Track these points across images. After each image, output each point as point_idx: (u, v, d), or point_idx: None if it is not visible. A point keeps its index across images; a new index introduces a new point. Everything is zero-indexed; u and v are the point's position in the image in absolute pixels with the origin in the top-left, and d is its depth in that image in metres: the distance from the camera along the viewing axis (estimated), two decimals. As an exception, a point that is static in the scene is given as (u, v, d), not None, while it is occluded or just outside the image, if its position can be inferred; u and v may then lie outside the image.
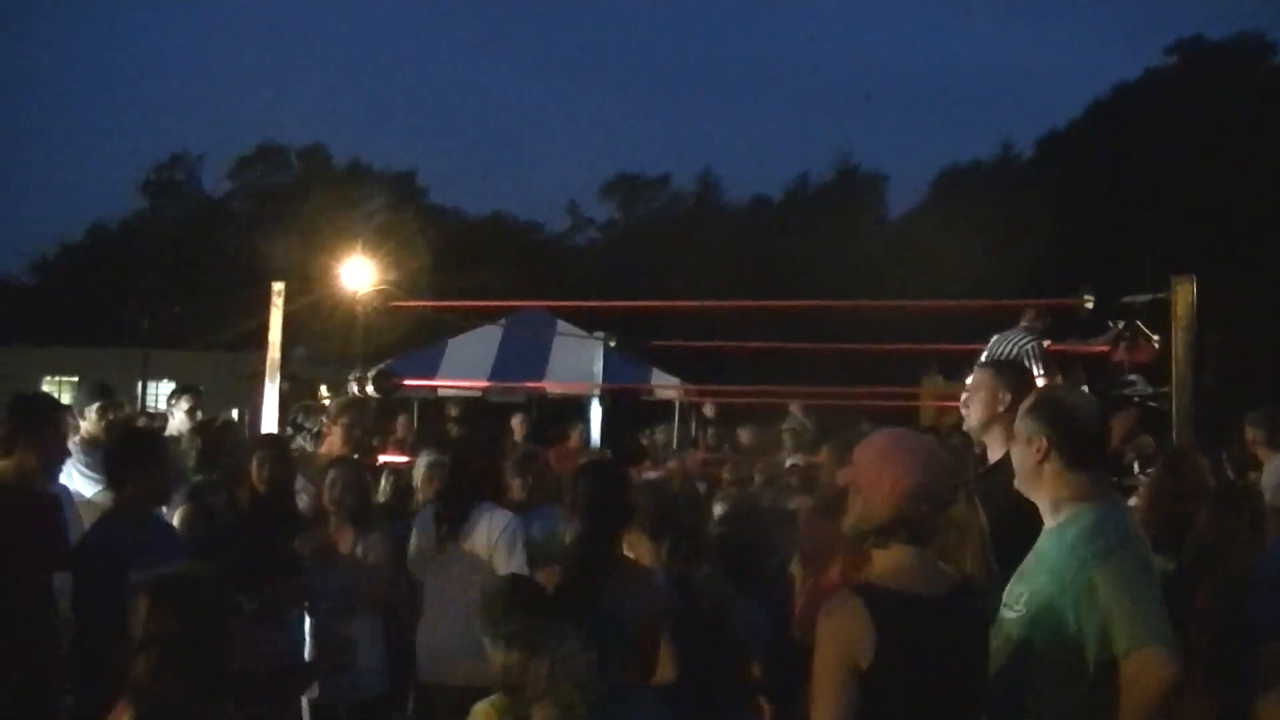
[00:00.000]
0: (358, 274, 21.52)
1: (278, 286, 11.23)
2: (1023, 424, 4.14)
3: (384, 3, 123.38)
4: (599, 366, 14.15)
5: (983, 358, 10.47)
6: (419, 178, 62.49)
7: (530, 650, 4.72)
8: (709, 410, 17.09)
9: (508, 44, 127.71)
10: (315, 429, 11.45)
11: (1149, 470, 10.49)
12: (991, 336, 10.73)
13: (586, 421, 14.42)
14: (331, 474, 7.24)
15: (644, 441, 13.78)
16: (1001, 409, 5.14)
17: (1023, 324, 10.71)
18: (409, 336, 22.67)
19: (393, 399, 13.79)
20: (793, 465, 12.16)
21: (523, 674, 4.71)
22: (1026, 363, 10.19)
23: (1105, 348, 10.92)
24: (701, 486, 10.61)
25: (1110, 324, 10.69)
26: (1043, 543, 4.06)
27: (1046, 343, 10.52)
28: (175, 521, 6.94)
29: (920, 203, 57.19)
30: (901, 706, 3.41)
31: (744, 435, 15.19)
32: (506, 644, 4.77)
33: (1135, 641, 3.72)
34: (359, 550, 6.99)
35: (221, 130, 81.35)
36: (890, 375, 15.06)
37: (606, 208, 64.70)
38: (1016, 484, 4.21)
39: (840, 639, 3.42)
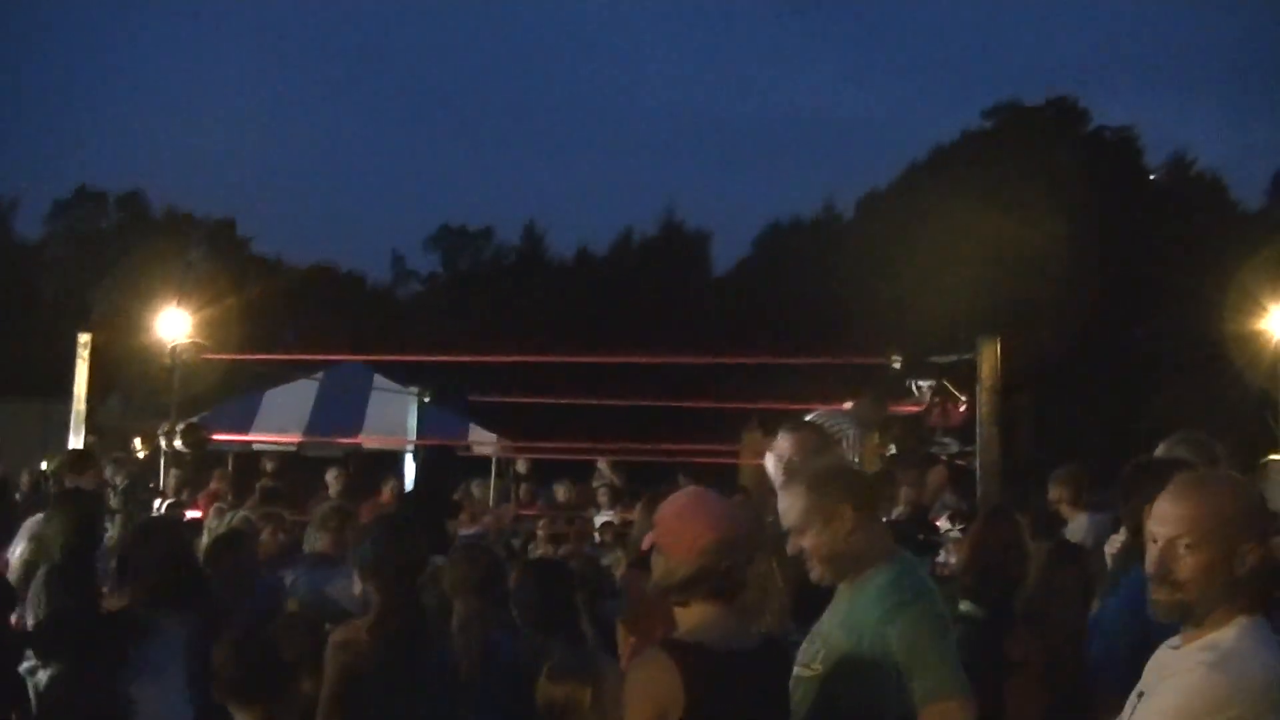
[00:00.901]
0: (172, 324, 21.15)
1: (83, 338, 11.02)
2: (818, 503, 4.05)
3: (205, 48, 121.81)
4: (413, 421, 14.03)
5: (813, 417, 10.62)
6: (239, 227, 61.46)
7: None
8: (521, 466, 17.10)
9: (331, 92, 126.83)
10: (123, 485, 11.19)
11: (960, 526, 10.71)
12: (816, 407, 10.83)
13: (401, 476, 14.30)
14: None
15: (458, 496, 13.69)
16: None
17: (854, 411, 10.75)
18: (225, 388, 22.25)
19: (207, 452, 13.55)
20: (605, 523, 12.23)
21: None
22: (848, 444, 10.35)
23: (917, 408, 11.11)
24: (516, 542, 10.61)
25: (915, 386, 10.86)
26: (838, 601, 4.09)
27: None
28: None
29: (744, 258, 57.82)
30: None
31: (560, 491, 15.22)
32: None
33: (934, 693, 3.77)
34: None
35: (37, 174, 79.46)
36: (713, 431, 15.16)
37: (430, 259, 64.30)
38: (820, 573, 4.15)
39: (649, 694, 3.45)
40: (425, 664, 5.17)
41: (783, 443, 5.57)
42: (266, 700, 4.58)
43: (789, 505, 4.15)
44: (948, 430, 10.81)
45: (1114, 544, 7.76)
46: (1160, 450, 5.36)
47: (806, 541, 4.11)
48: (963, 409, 10.44)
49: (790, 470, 5.31)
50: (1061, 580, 5.96)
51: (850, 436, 10.39)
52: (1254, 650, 3.07)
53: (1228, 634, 3.11)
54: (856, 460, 10.09)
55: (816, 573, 4.12)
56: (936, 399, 10.67)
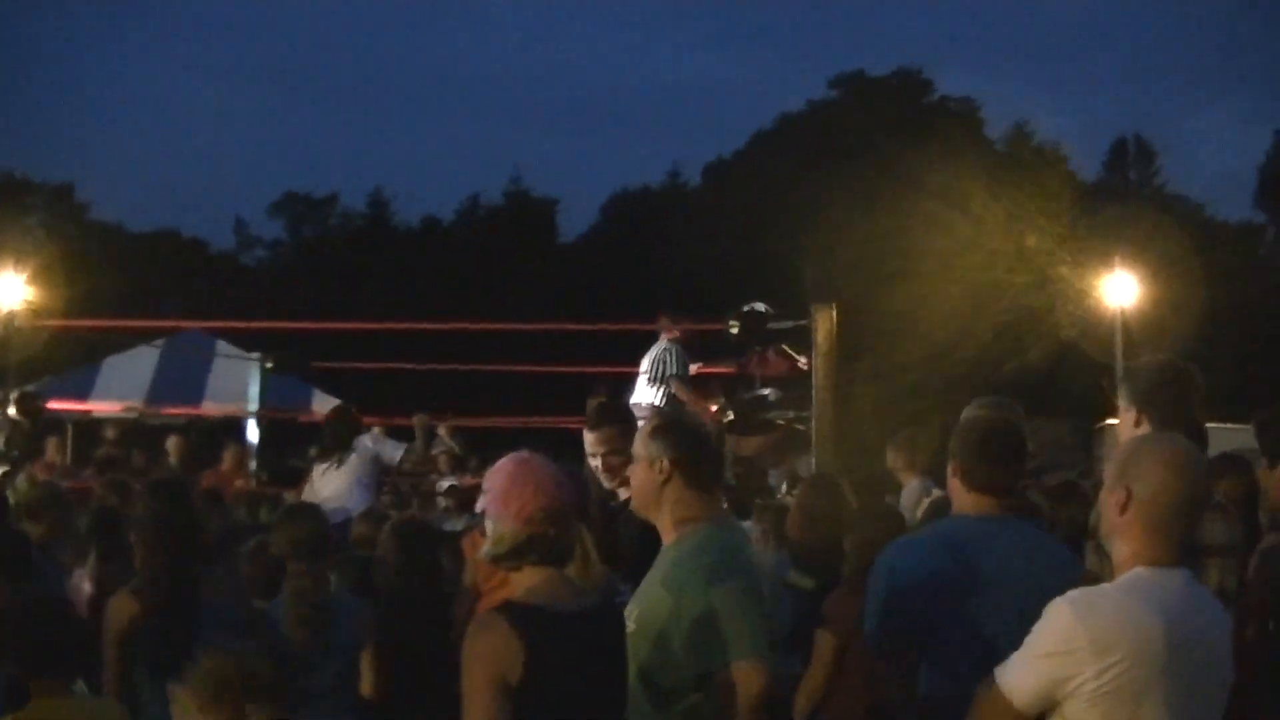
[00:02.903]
0: (8, 290, 20.69)
1: (-87, 302, 10.79)
2: (646, 447, 4.24)
3: (43, 5, 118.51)
4: (256, 388, 13.87)
5: (641, 372, 10.84)
6: (78, 192, 60.02)
7: None
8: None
9: (175, 55, 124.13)
10: (13, 453, 11.04)
11: (793, 490, 10.94)
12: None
13: (244, 444, 14.16)
14: None
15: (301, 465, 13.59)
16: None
17: (663, 336, 11.07)
18: (63, 356, 21.82)
19: (44, 420, 13.31)
20: (450, 487, 12.23)
21: None
22: (667, 366, 10.61)
23: (732, 369, 11.36)
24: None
25: (755, 349, 11.08)
26: (660, 560, 4.20)
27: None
28: None
29: (591, 226, 57.86)
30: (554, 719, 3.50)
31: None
32: None
33: (732, 654, 3.90)
34: None
35: None
36: (559, 398, 15.24)
37: (274, 226, 63.33)
38: (635, 505, 4.35)
39: (488, 657, 3.49)
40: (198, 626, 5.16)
41: (590, 443, 5.75)
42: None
43: (635, 440, 4.39)
44: (766, 380, 11.00)
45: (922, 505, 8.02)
46: (966, 411, 5.54)
47: (633, 477, 4.33)
48: (798, 363, 10.67)
49: (609, 465, 5.47)
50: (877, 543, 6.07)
51: (668, 355, 10.72)
52: None
53: None
54: (675, 370, 10.51)
55: (634, 504, 4.36)
56: (755, 349, 10.87)
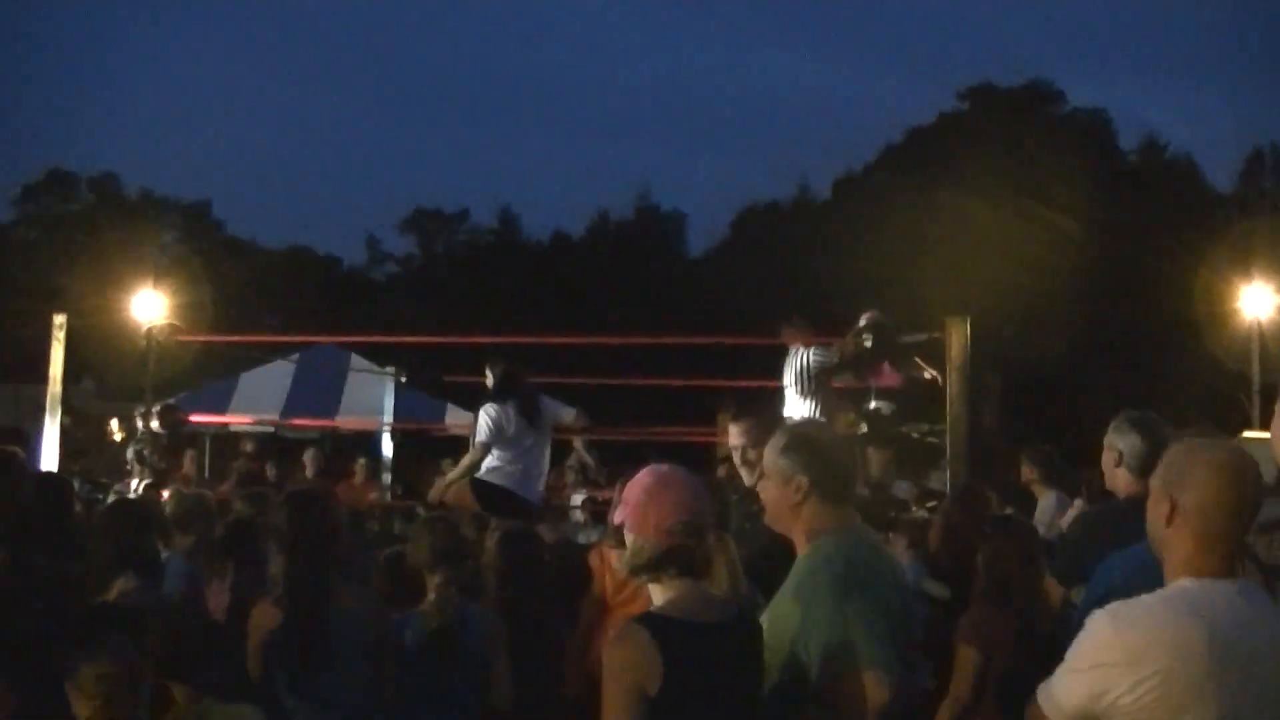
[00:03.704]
0: (148, 306, 21.17)
1: (59, 319, 11.02)
2: (779, 463, 4.18)
3: (177, 27, 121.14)
4: (390, 402, 14.05)
5: (785, 386, 10.78)
6: (214, 209, 61.27)
7: None
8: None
9: (307, 74, 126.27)
10: (161, 465, 11.27)
11: (930, 504, 10.82)
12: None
13: (378, 457, 14.34)
14: None
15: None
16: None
17: (795, 345, 10.96)
18: (201, 371, 22.26)
19: (182, 433, 13.57)
20: (585, 501, 12.28)
21: None
22: (810, 370, 10.53)
23: (853, 383, 11.27)
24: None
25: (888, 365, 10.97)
26: (794, 571, 4.14)
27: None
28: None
29: (720, 240, 57.87)
30: (691, 731, 3.47)
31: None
32: None
33: (859, 665, 3.85)
34: None
35: (8, 156, 78.95)
36: (689, 411, 15.26)
37: (405, 242, 64.15)
38: (769, 520, 4.30)
39: (628, 668, 3.48)
40: (334, 637, 5.23)
41: (733, 435, 5.74)
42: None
43: (764, 455, 4.32)
44: (881, 392, 10.90)
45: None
46: (1111, 428, 5.43)
47: (764, 493, 4.27)
48: (890, 372, 10.60)
49: (748, 460, 5.45)
50: (1009, 554, 5.99)
51: (822, 362, 10.64)
52: None
53: None
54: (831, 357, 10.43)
55: (768, 519, 4.30)
56: (872, 360, 10.76)
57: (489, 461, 9.77)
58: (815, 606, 3.94)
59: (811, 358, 10.63)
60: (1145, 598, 3.17)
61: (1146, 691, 2.99)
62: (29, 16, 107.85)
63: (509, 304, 43.57)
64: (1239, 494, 3.15)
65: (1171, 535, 3.19)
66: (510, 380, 9.92)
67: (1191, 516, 3.15)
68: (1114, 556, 4.51)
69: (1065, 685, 3.16)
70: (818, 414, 10.42)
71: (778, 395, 11.04)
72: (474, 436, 9.91)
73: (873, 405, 10.70)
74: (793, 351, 10.87)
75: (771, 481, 4.21)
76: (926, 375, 10.58)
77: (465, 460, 10.03)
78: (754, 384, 12.77)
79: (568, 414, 10.21)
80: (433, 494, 10.27)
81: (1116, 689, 3.02)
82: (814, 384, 10.65)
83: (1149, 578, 3.29)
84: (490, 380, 9.97)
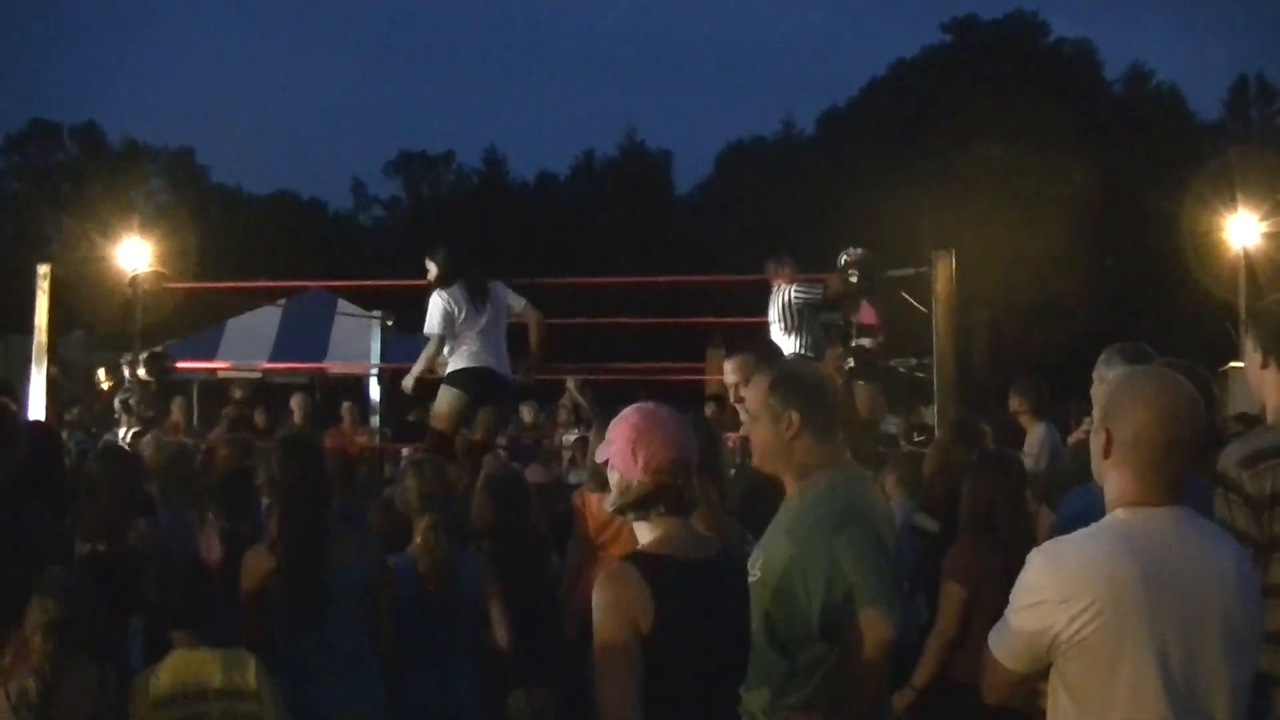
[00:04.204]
0: (133, 255, 21.06)
1: (42, 269, 11.00)
2: (768, 402, 4.17)
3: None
4: (377, 346, 14.04)
5: (770, 323, 10.75)
6: (199, 156, 61.04)
7: None
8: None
9: (289, 18, 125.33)
10: (147, 414, 11.26)
11: (919, 439, 10.85)
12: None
13: (365, 401, 14.35)
14: None
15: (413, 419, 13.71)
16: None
17: (778, 282, 10.91)
18: (188, 319, 22.21)
19: (171, 380, 13.55)
20: (578, 439, 12.30)
21: None
22: (794, 306, 10.50)
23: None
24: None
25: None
26: (784, 509, 4.15)
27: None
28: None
29: (706, 178, 57.78)
30: (683, 667, 3.49)
31: (525, 412, 15.32)
32: None
33: (857, 602, 3.87)
34: None
35: (-12, 107, 78.35)
36: (678, 350, 15.26)
37: (391, 185, 63.99)
38: (757, 462, 4.29)
39: (619, 606, 3.48)
40: (330, 582, 5.26)
41: (727, 372, 5.74)
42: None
43: (750, 394, 4.31)
44: (863, 329, 10.88)
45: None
46: (1101, 360, 5.43)
47: (754, 433, 4.26)
48: (868, 309, 10.57)
49: (740, 396, 5.44)
50: (995, 487, 6.00)
51: (804, 300, 10.59)
52: None
53: None
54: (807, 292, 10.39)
55: (755, 461, 4.29)
56: (857, 296, 10.68)
57: (449, 352, 9.63)
58: (810, 545, 3.94)
59: (794, 294, 10.58)
60: (1079, 532, 3.15)
61: (1083, 625, 2.98)
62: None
63: (496, 245, 43.52)
64: (1172, 424, 3.09)
65: (1109, 467, 3.16)
66: (453, 265, 9.81)
67: (1126, 448, 3.11)
68: (1079, 489, 4.55)
69: (1009, 626, 3.15)
70: (805, 351, 10.39)
71: (764, 331, 11.02)
72: (425, 327, 9.71)
73: (855, 342, 10.65)
74: (776, 288, 10.83)
75: (761, 421, 4.20)
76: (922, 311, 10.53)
77: (424, 353, 9.77)
78: (742, 321, 12.77)
79: (518, 301, 9.94)
80: (405, 383, 10.06)
81: (1055, 625, 3.01)
82: (798, 320, 10.60)
83: (1100, 510, 3.25)
84: (433, 271, 9.81)
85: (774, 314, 10.77)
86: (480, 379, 9.47)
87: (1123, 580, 3.00)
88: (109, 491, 5.87)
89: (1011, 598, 3.15)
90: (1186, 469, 3.16)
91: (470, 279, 9.68)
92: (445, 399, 9.56)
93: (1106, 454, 3.17)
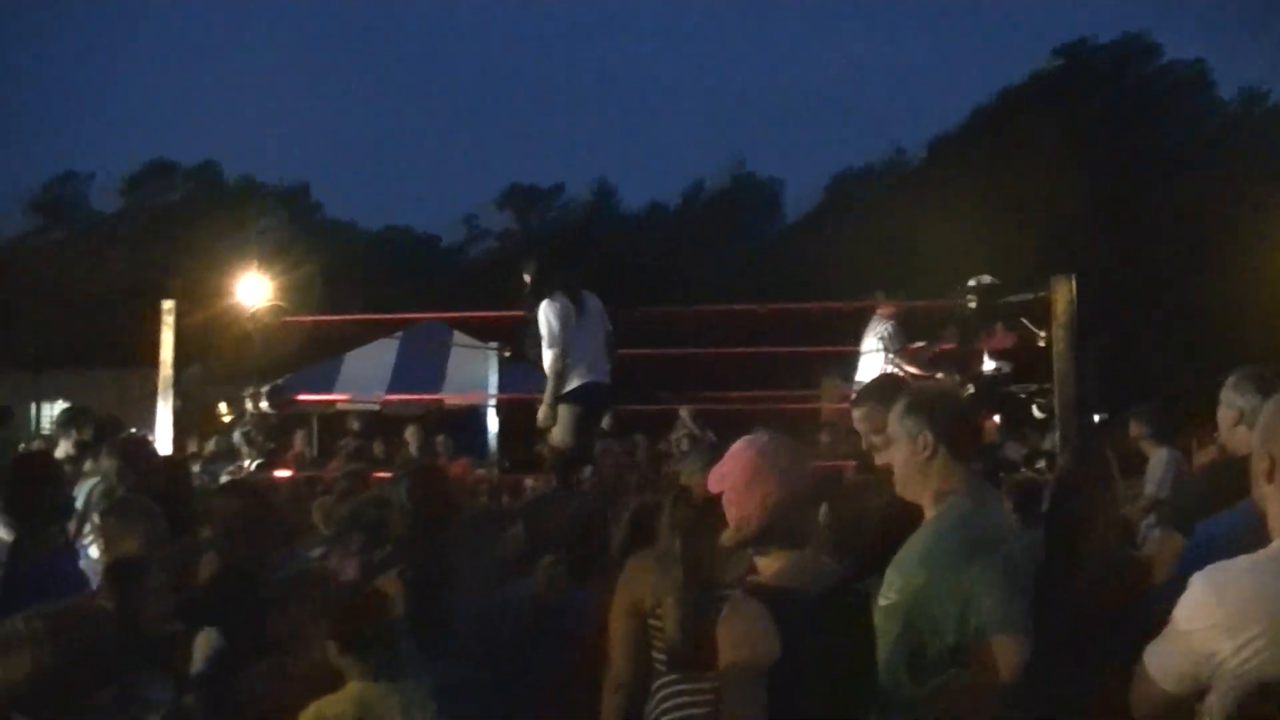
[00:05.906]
0: (251, 290, 21.36)
1: (168, 304, 11.21)
2: (904, 423, 4.18)
3: (270, 17, 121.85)
4: (494, 377, 14.15)
5: (863, 351, 10.74)
6: (313, 192, 61.92)
7: None
8: (605, 420, 17.12)
9: (398, 54, 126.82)
10: (269, 446, 11.45)
11: (1038, 465, 10.74)
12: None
13: (483, 431, 14.46)
14: None
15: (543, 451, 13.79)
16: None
17: (879, 314, 10.91)
18: (306, 352, 22.48)
19: (291, 415, 13.74)
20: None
21: None
22: (888, 344, 10.47)
23: (954, 344, 11.14)
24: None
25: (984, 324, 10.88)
26: (919, 534, 4.15)
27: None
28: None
29: (816, 206, 57.55)
30: (808, 700, 3.51)
31: (640, 442, 15.35)
32: None
33: (991, 628, 3.84)
34: None
35: (111, 148, 79.86)
36: (791, 378, 15.22)
37: (502, 218, 64.43)
38: (897, 485, 4.25)
39: (746, 642, 3.52)
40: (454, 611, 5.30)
41: (856, 420, 5.72)
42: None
43: (889, 421, 4.30)
44: (998, 354, 10.79)
45: None
46: (1229, 384, 5.34)
47: (892, 458, 4.26)
48: (1004, 334, 10.50)
49: (872, 446, 5.39)
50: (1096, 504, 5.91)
51: (886, 333, 10.56)
52: None
53: None
54: (896, 346, 10.35)
55: (896, 486, 4.27)
56: (983, 325, 10.63)
57: (561, 367, 9.50)
58: (945, 570, 3.94)
59: (889, 333, 10.60)
60: (1244, 558, 3.06)
61: (1253, 654, 2.90)
62: (128, 12, 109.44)
63: (607, 274, 43.59)
64: None
65: (1273, 492, 3.09)
66: (548, 272, 9.76)
67: None
68: (1222, 512, 4.48)
69: (1168, 650, 3.09)
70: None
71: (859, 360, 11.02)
72: (546, 344, 9.58)
73: (989, 367, 10.59)
74: (876, 318, 10.84)
75: (899, 444, 4.21)
76: (1040, 337, 10.44)
77: (550, 369, 9.57)
78: (852, 349, 12.73)
79: (607, 322, 9.94)
80: (542, 418, 9.86)
81: (1221, 652, 2.94)
82: (889, 355, 10.64)
83: (1253, 534, 3.19)
84: (529, 280, 9.77)
85: (871, 341, 10.77)
86: (593, 394, 9.45)
87: None
88: (243, 523, 5.94)
89: (1173, 620, 3.07)
90: None
91: (568, 283, 9.63)
92: (565, 421, 9.51)
93: (1270, 478, 3.09)
